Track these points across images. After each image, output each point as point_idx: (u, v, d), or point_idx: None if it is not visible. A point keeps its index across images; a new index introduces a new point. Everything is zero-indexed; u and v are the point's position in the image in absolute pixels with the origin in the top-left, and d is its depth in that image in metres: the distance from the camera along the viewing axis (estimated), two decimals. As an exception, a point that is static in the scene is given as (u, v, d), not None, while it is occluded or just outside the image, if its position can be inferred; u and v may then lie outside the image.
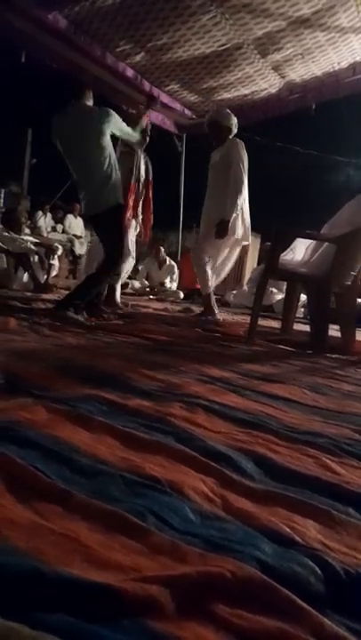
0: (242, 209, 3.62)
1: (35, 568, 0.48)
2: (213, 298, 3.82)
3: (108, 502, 0.65)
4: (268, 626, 0.45)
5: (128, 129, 3.20)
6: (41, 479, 0.69)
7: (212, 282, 3.78)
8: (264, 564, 0.54)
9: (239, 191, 3.54)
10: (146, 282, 7.05)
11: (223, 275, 4.01)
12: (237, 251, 3.89)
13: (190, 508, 0.67)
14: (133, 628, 0.43)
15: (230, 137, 3.69)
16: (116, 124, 3.01)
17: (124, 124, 3.14)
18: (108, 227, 3.03)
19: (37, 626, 0.41)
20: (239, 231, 3.63)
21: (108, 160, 2.95)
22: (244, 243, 3.82)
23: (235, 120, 3.72)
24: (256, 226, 3.92)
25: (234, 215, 3.53)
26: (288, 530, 0.64)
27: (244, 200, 3.63)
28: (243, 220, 3.64)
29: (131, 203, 3.69)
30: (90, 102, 3.04)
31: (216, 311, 3.79)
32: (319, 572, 0.54)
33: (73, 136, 2.94)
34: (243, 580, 0.50)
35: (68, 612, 0.44)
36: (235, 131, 3.75)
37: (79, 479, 0.72)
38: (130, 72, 4.78)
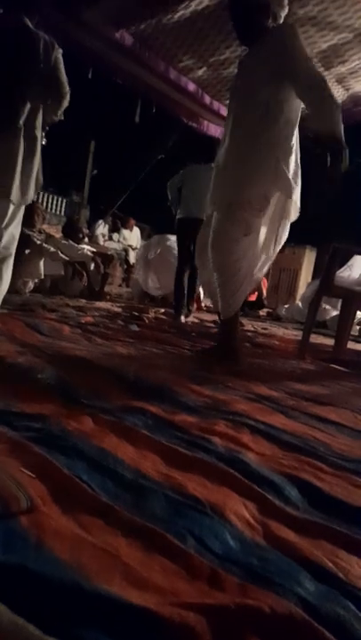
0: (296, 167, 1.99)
1: (75, 582, 0.50)
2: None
3: (148, 520, 0.66)
4: (306, 668, 0.44)
5: None
6: (85, 491, 0.71)
7: (241, 298, 2.09)
8: (305, 601, 0.52)
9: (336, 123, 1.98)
10: None
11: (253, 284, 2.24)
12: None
13: (231, 533, 0.67)
14: (168, 654, 0.43)
15: (274, 24, 1.96)
16: None
17: None
18: None
19: (74, 642, 0.42)
20: (293, 211, 2.03)
21: None
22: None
23: None
24: (312, 238, 3.58)
25: (297, 186, 1.96)
26: (331, 565, 0.62)
27: (294, 150, 1.99)
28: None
29: None
30: None
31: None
32: (363, 616, 0.52)
33: None
34: (282, 617, 0.49)
35: (105, 631, 0.45)
36: (282, 14, 1.97)
37: (122, 493, 0.73)
38: (191, 86, 4.86)
